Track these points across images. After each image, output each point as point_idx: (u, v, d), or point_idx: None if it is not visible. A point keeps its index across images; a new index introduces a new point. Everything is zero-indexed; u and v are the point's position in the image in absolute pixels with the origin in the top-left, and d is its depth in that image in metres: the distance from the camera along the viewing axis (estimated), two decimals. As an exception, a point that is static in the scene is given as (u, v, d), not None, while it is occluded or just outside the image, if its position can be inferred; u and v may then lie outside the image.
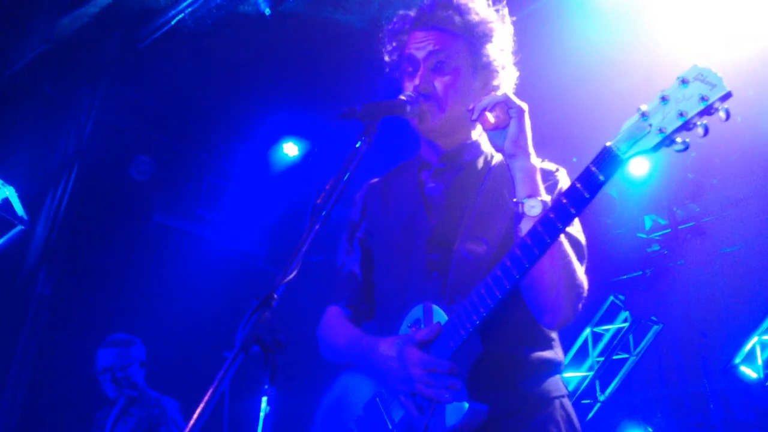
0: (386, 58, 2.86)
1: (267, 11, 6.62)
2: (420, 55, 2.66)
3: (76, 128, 7.35)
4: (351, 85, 6.92)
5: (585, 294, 2.39)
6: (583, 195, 2.06)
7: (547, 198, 2.29)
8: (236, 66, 7.54)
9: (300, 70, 7.46)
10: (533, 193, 2.30)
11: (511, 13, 2.81)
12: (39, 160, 7.42)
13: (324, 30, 6.96)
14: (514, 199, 2.32)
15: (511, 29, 2.79)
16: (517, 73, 2.81)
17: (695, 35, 6.07)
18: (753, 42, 6.06)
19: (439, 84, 2.63)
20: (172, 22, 6.90)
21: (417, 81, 2.62)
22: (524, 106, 2.38)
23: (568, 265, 2.33)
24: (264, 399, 1.76)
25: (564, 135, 7.05)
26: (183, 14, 6.80)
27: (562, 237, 2.28)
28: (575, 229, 2.48)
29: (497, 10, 2.77)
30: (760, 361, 8.11)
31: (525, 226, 2.25)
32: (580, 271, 2.39)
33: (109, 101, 7.43)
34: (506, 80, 2.77)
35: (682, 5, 6.10)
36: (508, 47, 2.77)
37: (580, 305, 2.40)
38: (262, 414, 1.75)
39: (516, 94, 2.44)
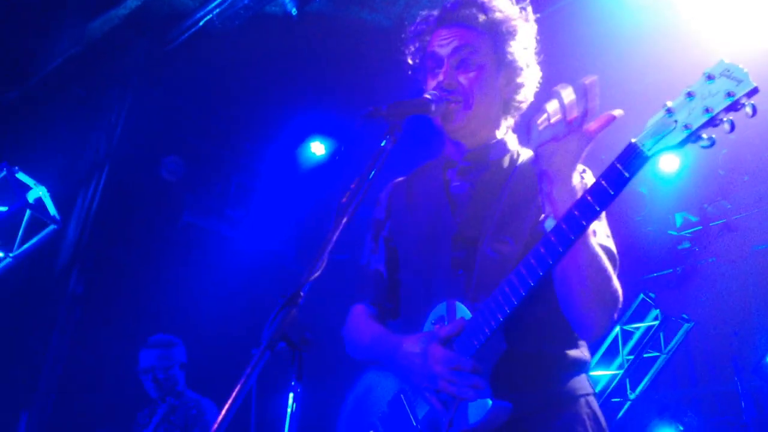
0: (409, 61, 2.85)
1: (294, 11, 6.65)
2: (444, 51, 2.64)
3: (106, 129, 7.42)
4: (378, 84, 6.92)
5: (620, 303, 2.31)
6: (608, 192, 2.02)
7: None
8: (264, 66, 7.56)
9: (327, 69, 7.48)
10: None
11: (538, 10, 2.79)
12: (71, 160, 7.51)
13: (350, 29, 6.98)
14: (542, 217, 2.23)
15: (534, 27, 2.77)
16: (540, 73, 2.77)
17: (723, 30, 6.00)
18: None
19: (464, 80, 2.61)
20: (200, 23, 6.95)
21: (441, 77, 2.61)
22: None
23: (602, 271, 2.24)
24: (291, 396, 1.77)
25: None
26: (211, 15, 6.83)
27: (593, 242, 2.22)
28: (604, 236, 2.40)
29: (522, 9, 2.75)
30: (792, 360, 7.99)
31: (550, 225, 2.20)
32: (613, 278, 2.31)
33: (138, 102, 7.50)
34: (530, 78, 2.75)
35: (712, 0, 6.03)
36: (531, 45, 2.74)
37: (616, 314, 2.32)
38: (289, 411, 1.77)
39: (543, 89, 2.41)
